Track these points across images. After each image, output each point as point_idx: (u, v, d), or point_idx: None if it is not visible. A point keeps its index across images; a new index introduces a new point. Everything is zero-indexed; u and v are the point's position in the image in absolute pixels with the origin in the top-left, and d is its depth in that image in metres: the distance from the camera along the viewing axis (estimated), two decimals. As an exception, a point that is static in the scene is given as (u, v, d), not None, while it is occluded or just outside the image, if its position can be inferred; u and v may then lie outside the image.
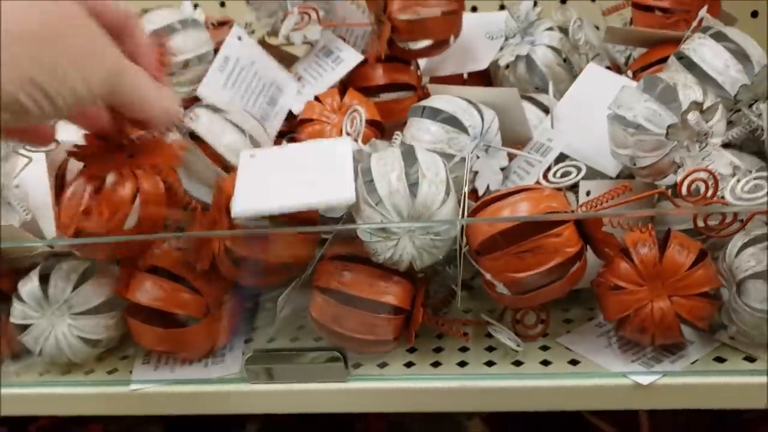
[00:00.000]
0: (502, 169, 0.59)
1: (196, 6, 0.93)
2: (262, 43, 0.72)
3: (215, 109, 0.58)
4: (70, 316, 0.55)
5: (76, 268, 0.55)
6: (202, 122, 0.57)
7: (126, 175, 0.49)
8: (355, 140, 0.61)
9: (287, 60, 0.73)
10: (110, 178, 0.49)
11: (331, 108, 0.66)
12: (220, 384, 0.55)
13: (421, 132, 0.57)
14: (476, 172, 0.58)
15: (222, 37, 0.64)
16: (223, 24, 0.68)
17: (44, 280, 0.55)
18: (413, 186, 0.49)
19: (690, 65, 0.59)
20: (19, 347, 0.57)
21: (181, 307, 0.54)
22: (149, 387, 0.55)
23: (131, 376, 0.56)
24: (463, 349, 0.56)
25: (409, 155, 0.51)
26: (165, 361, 0.57)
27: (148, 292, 0.54)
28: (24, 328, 0.56)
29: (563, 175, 0.53)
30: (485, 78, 0.74)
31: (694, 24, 0.63)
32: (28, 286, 0.55)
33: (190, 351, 0.56)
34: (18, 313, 0.55)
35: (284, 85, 0.69)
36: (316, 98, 0.68)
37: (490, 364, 0.54)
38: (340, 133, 0.64)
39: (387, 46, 0.67)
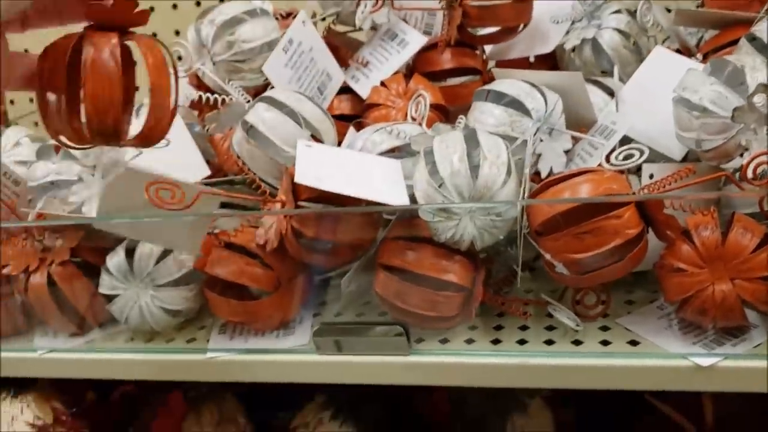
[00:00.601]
0: (566, 152, 0.60)
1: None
2: (330, 31, 0.75)
3: (274, 102, 0.60)
4: (153, 288, 0.59)
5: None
6: (263, 117, 0.59)
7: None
8: (420, 124, 0.62)
9: (353, 46, 0.75)
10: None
11: (397, 93, 0.68)
12: (290, 354, 0.58)
13: (485, 115, 0.59)
14: (540, 155, 0.59)
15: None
16: (290, 15, 0.71)
17: (130, 254, 0.59)
18: (475, 168, 0.51)
19: (762, 47, 0.58)
20: (107, 316, 0.62)
21: (253, 281, 0.57)
22: (224, 355, 0.58)
23: (208, 345, 0.60)
24: (523, 328, 0.57)
25: (471, 138, 0.52)
26: (239, 332, 0.61)
27: (224, 266, 0.57)
28: (111, 298, 0.60)
29: (626, 158, 0.53)
30: (551, 61, 0.74)
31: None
32: (115, 259, 0.59)
33: (262, 322, 0.59)
34: (106, 284, 0.60)
35: (333, 75, 0.72)
36: (382, 83, 0.70)
37: (549, 342, 0.55)
38: (405, 118, 0.66)
39: (456, 31, 0.69)
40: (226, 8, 0.66)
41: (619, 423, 0.77)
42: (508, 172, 0.51)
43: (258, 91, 0.67)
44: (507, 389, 0.67)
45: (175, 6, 1.09)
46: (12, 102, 1.17)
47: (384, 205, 0.53)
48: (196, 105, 0.85)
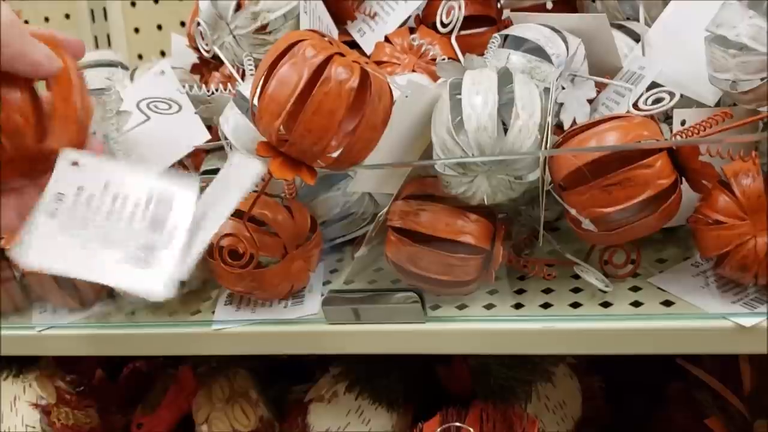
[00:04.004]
0: (590, 101, 0.56)
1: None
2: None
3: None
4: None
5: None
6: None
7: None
8: (452, 31, 0.59)
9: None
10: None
11: (402, 48, 0.64)
12: (300, 324, 0.55)
13: (502, 63, 0.54)
14: (561, 104, 0.54)
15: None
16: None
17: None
18: (504, 126, 0.46)
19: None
20: (107, 289, 0.59)
21: (260, 248, 0.53)
22: (231, 327, 0.55)
23: (213, 317, 0.57)
24: (547, 291, 0.53)
25: (505, 82, 0.48)
26: (246, 303, 0.58)
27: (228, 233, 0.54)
28: (111, 270, 0.57)
29: (655, 102, 0.49)
30: (570, 9, 0.69)
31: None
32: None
33: (270, 291, 0.56)
34: (104, 254, 0.56)
35: (332, 30, 0.67)
36: (386, 38, 0.65)
37: (576, 305, 0.51)
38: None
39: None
40: None
41: (649, 390, 0.74)
42: (540, 132, 0.46)
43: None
44: (530, 357, 0.64)
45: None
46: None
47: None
48: (197, 68, 0.82)
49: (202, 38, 0.62)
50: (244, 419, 0.68)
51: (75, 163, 0.40)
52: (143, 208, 0.41)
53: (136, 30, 1.06)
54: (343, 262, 0.62)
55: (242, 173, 0.46)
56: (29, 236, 0.39)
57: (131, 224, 0.40)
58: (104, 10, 1.08)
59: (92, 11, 1.08)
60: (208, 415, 0.69)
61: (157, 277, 0.39)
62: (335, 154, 0.46)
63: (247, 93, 0.54)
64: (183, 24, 1.04)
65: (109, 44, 1.08)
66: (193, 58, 0.83)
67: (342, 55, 0.44)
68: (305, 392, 0.71)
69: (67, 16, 1.11)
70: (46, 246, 0.39)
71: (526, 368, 0.63)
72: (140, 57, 1.06)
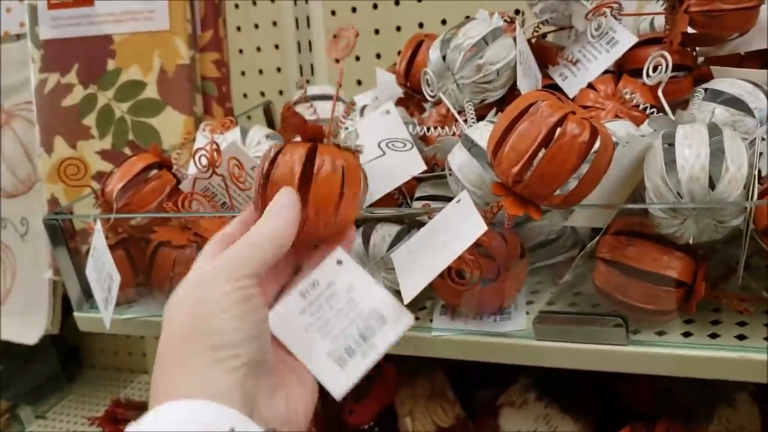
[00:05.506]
0: (787, 151, 0.60)
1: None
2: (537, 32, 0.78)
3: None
4: (385, 270, 0.66)
5: (390, 232, 0.66)
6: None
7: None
8: (657, 82, 0.63)
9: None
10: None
11: (605, 95, 0.70)
12: (509, 338, 0.63)
13: (704, 114, 0.60)
14: (760, 153, 0.59)
15: (512, 33, 0.71)
16: (512, 21, 0.74)
17: (366, 239, 0.66)
18: (714, 177, 0.52)
19: None
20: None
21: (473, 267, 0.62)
22: (449, 335, 0.64)
23: (432, 324, 0.66)
24: (741, 324, 0.58)
25: (714, 134, 0.53)
26: (459, 314, 0.66)
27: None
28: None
29: None
30: (765, 57, 0.73)
31: None
32: (353, 244, 0.66)
33: (482, 307, 0.65)
34: (344, 266, 0.67)
35: (538, 77, 0.74)
36: (590, 85, 0.72)
37: (769, 339, 0.56)
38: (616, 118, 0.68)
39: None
40: (469, 32, 0.70)
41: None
42: (744, 187, 0.52)
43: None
44: (713, 381, 0.68)
45: (377, 31, 1.18)
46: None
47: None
48: (402, 102, 0.92)
49: (428, 85, 0.72)
50: (443, 416, 0.77)
51: (339, 262, 0.51)
52: (364, 317, 0.51)
53: (336, 60, 1.19)
54: (542, 284, 0.70)
55: (468, 226, 0.54)
56: (280, 304, 0.50)
57: (349, 327, 0.51)
58: (309, 42, 1.22)
59: (299, 43, 1.23)
60: (411, 409, 0.78)
61: (342, 382, 0.49)
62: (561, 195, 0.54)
63: (473, 136, 0.63)
64: (378, 56, 1.16)
65: (312, 72, 1.22)
66: (396, 91, 0.93)
67: (574, 113, 0.52)
68: (493, 397, 0.79)
69: (276, 47, 1.26)
70: (286, 317, 0.51)
71: (709, 391, 0.68)
72: (339, 85, 1.18)
